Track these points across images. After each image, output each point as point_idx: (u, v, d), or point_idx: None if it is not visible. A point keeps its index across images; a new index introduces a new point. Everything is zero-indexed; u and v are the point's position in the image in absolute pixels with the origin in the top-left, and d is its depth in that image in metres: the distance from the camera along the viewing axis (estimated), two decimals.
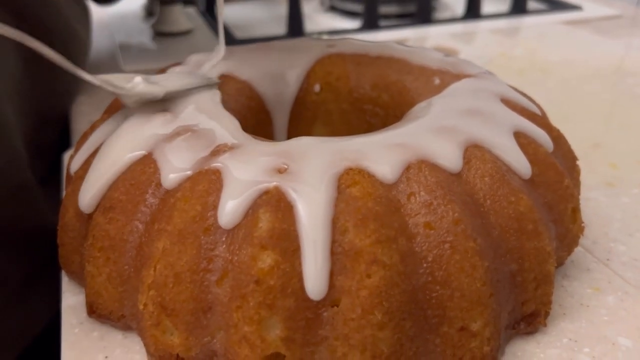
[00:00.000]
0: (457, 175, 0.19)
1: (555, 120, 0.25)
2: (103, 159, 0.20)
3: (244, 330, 0.17)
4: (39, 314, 0.28)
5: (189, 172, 0.19)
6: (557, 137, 0.23)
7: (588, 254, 0.24)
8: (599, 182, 0.29)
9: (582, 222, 0.21)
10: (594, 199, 0.27)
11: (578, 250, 0.23)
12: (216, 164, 0.19)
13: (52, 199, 0.31)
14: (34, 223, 0.28)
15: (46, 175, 0.35)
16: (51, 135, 0.38)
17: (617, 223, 0.26)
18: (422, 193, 0.18)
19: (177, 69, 0.26)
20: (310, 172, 0.18)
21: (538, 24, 0.52)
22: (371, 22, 0.50)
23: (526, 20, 0.53)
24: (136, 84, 0.21)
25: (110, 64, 0.44)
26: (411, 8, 0.53)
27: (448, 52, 0.45)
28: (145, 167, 0.20)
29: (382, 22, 0.51)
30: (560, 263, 0.22)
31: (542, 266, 0.19)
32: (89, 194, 0.20)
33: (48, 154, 0.37)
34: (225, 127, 0.21)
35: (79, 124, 0.37)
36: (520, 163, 0.19)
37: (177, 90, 0.22)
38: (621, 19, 0.53)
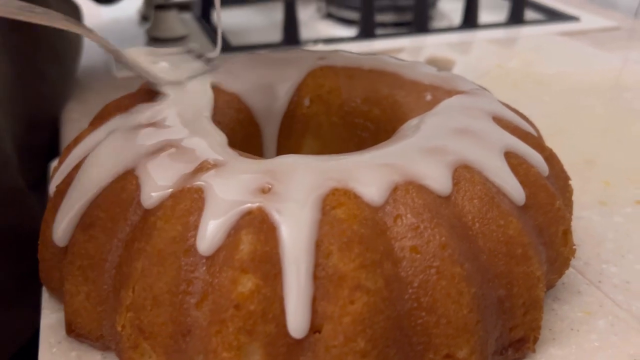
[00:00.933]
0: (446, 198, 0.18)
1: (549, 135, 0.25)
2: (82, 181, 0.20)
3: (222, 356, 0.16)
4: (30, 319, 0.28)
5: (170, 190, 0.18)
6: (550, 157, 0.22)
7: (579, 275, 0.23)
8: (591, 201, 0.28)
9: (574, 245, 0.21)
10: (587, 217, 0.27)
11: (569, 271, 0.23)
12: (199, 182, 0.18)
13: (43, 204, 0.30)
14: (24, 228, 0.28)
15: (36, 180, 0.35)
16: (41, 139, 0.37)
17: (609, 243, 0.25)
18: (409, 216, 0.18)
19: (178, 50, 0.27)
20: (295, 193, 0.18)
21: (535, 35, 0.51)
22: (367, 31, 0.50)
23: (523, 31, 0.52)
24: (163, 70, 0.24)
25: (103, 69, 0.44)
26: (408, 17, 0.53)
27: (444, 62, 0.45)
28: (126, 183, 0.19)
29: (379, 31, 0.51)
30: (550, 286, 0.22)
31: (531, 291, 0.19)
32: (61, 226, 0.19)
33: (38, 159, 0.36)
34: (210, 143, 0.20)
35: (69, 131, 0.37)
36: (512, 187, 0.19)
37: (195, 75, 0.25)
38: (619, 31, 0.53)
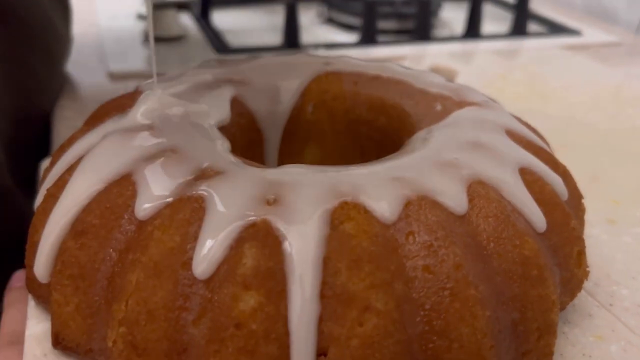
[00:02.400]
0: (460, 215, 0.17)
1: (555, 150, 0.24)
2: (75, 185, 0.19)
3: None
4: None
5: (169, 199, 0.17)
6: (564, 174, 0.22)
7: (590, 297, 0.22)
8: (599, 219, 0.27)
9: (587, 266, 0.20)
10: (595, 236, 0.26)
11: (580, 293, 0.22)
12: (200, 190, 0.17)
13: (32, 202, 0.29)
14: (14, 228, 0.27)
15: (25, 178, 0.33)
16: (31, 136, 0.36)
17: (618, 264, 0.24)
18: (422, 233, 0.17)
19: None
20: (302, 205, 0.17)
21: (537, 47, 0.51)
22: (369, 37, 0.49)
23: (526, 43, 0.52)
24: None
25: (97, 66, 0.43)
26: (410, 24, 0.52)
27: (447, 72, 0.45)
28: (122, 189, 0.18)
29: (380, 38, 0.50)
30: (562, 308, 0.21)
31: (545, 315, 0.18)
32: (43, 255, 0.18)
33: (28, 157, 0.35)
34: (212, 149, 0.19)
35: (60, 129, 0.36)
36: (530, 208, 0.18)
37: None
38: (620, 47, 0.53)
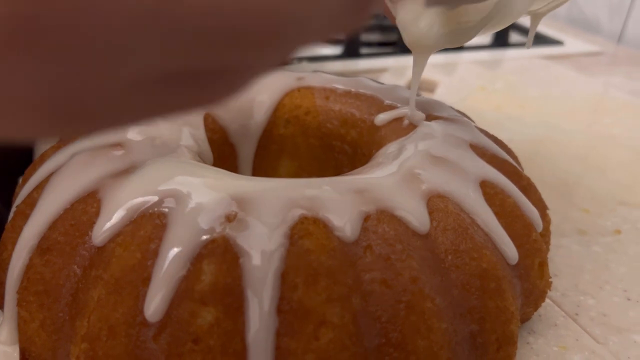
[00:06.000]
0: (420, 229, 0.18)
1: (529, 159, 0.25)
2: (42, 204, 0.19)
3: None
4: None
5: (131, 215, 0.17)
6: (527, 186, 0.22)
7: (556, 307, 0.23)
8: (570, 229, 0.28)
9: (550, 277, 0.21)
10: (566, 246, 0.26)
11: (546, 303, 0.22)
12: (162, 207, 0.17)
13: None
14: None
15: (10, 196, 0.33)
16: (15, 154, 0.36)
17: (587, 274, 0.25)
18: (380, 247, 0.17)
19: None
20: (261, 221, 0.17)
21: (519, 57, 0.51)
22: (352, 49, 0.50)
23: (508, 53, 0.52)
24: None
25: None
26: (393, 37, 0.53)
27: (428, 83, 0.45)
28: (87, 206, 0.18)
29: (364, 50, 0.50)
30: (526, 318, 0.21)
31: (504, 326, 0.18)
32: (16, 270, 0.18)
33: (12, 175, 0.35)
34: (178, 166, 0.20)
35: (43, 144, 0.36)
36: (486, 219, 0.19)
37: None
38: (601, 56, 0.53)
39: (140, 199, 0.18)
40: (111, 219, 0.17)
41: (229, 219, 0.17)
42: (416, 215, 0.18)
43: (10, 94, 0.09)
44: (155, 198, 0.18)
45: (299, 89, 0.27)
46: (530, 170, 0.27)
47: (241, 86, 0.10)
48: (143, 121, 0.10)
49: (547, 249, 0.22)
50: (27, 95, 0.09)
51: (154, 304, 0.16)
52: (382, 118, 0.24)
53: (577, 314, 0.22)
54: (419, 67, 0.22)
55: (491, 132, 0.25)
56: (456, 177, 0.19)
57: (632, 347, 0.21)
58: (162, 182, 0.18)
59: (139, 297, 0.16)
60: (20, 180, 0.27)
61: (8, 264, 0.20)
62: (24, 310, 0.18)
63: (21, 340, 0.19)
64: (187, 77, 0.09)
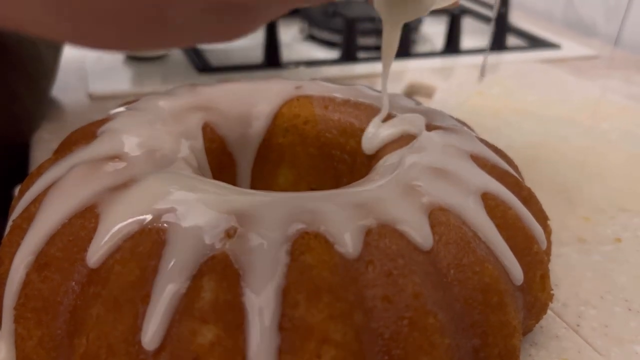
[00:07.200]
0: (423, 244, 0.18)
1: (527, 166, 0.25)
2: (40, 219, 0.19)
3: None
4: None
5: (130, 231, 0.17)
6: (528, 197, 0.22)
7: (558, 318, 0.23)
8: (570, 237, 0.28)
9: (551, 290, 0.21)
10: (565, 255, 0.26)
11: (548, 314, 0.22)
12: (161, 222, 0.17)
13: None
14: None
15: (6, 207, 0.33)
16: (11, 164, 0.36)
17: (587, 283, 0.25)
18: (382, 262, 0.17)
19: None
20: (262, 236, 0.17)
21: (516, 61, 0.51)
22: (349, 54, 0.49)
23: (505, 57, 0.52)
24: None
25: (78, 87, 0.43)
26: None
27: (426, 88, 0.45)
28: (85, 221, 0.18)
29: (361, 54, 0.50)
30: (528, 330, 0.21)
31: (507, 341, 0.18)
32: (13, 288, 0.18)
33: (8, 184, 0.35)
34: (177, 179, 0.19)
35: (38, 152, 0.36)
36: (489, 232, 0.18)
37: None
38: (598, 60, 0.53)
39: (139, 215, 0.18)
40: (108, 236, 0.17)
41: (229, 234, 0.17)
42: (419, 230, 0.18)
43: None
44: (154, 214, 0.18)
45: (297, 98, 0.27)
46: (528, 177, 0.27)
47: (260, 23, 0.15)
48: (191, 43, 0.15)
49: (548, 260, 0.22)
50: None
51: (152, 328, 0.15)
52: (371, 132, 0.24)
53: (578, 325, 0.22)
54: (389, 46, 0.23)
55: (489, 138, 0.25)
56: (457, 189, 0.19)
57: (634, 359, 0.21)
58: (161, 197, 0.18)
59: (139, 315, 0.16)
60: (17, 192, 0.27)
61: (5, 279, 0.20)
62: (21, 327, 0.18)
63: (19, 357, 0.18)
64: (225, 9, 0.14)
